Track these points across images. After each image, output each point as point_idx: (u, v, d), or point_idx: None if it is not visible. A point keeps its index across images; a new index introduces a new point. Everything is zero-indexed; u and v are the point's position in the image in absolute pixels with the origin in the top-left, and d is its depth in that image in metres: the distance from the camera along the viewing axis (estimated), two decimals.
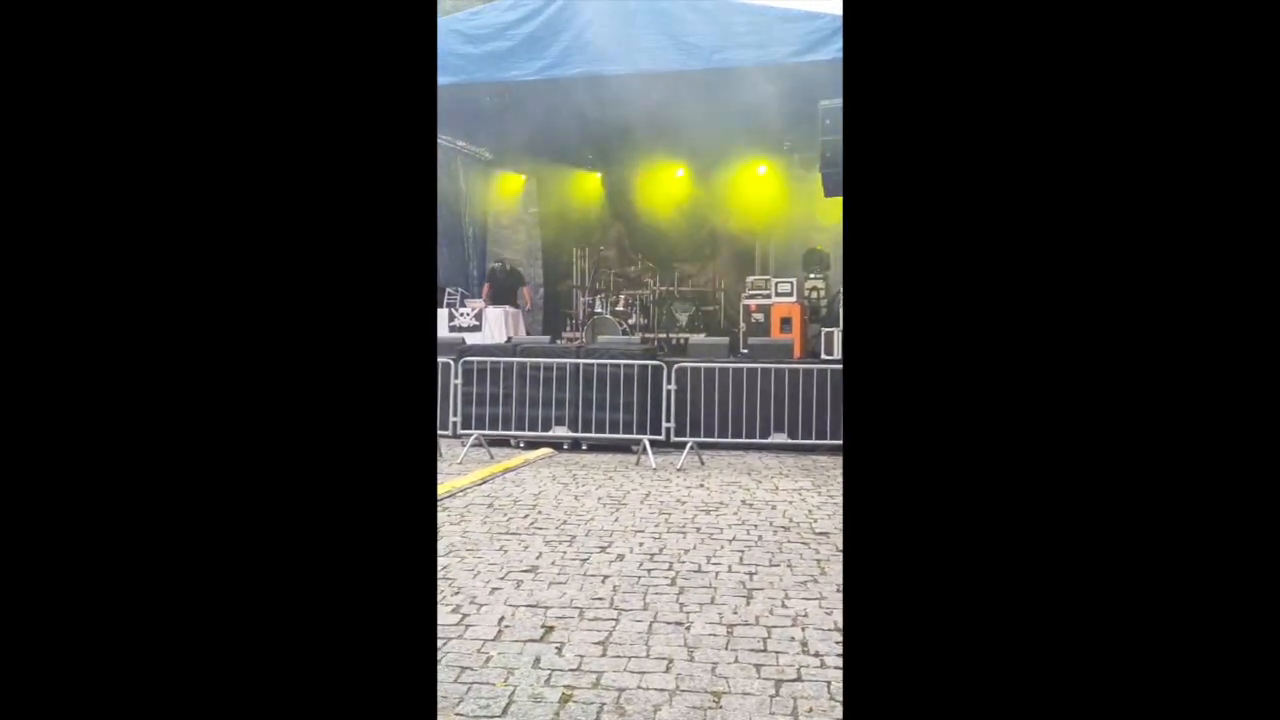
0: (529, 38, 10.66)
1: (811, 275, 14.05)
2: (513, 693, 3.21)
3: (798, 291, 13.44)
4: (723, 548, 5.39)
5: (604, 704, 3.12)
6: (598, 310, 15.00)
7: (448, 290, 14.41)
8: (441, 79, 10.16)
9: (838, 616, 4.00)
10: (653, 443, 9.14)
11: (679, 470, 8.42)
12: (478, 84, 11.25)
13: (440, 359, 9.64)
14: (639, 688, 3.25)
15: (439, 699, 3.12)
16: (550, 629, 3.89)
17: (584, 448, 9.72)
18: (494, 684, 3.28)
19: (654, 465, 8.62)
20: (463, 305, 14.10)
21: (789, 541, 5.57)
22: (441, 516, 6.16)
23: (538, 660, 3.51)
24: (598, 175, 16.91)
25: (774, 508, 6.65)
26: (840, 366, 9.03)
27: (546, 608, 4.18)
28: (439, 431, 9.38)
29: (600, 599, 4.33)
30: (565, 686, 3.26)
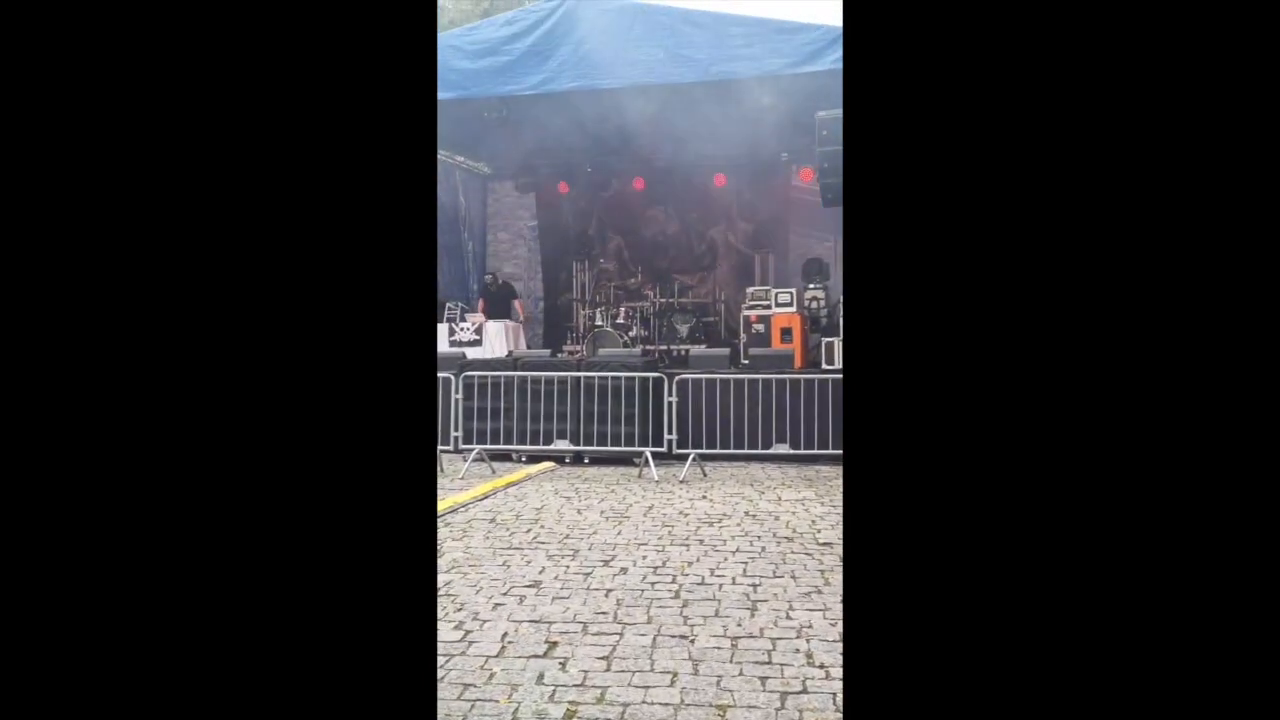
0: (527, 52, 10.69)
1: (811, 285, 14.03)
2: (516, 709, 3.19)
3: (798, 302, 13.42)
4: (726, 559, 5.37)
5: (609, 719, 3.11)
6: (598, 323, 14.98)
7: (447, 305, 14.41)
8: (440, 94, 10.19)
9: (842, 627, 3.98)
10: (655, 455, 9.12)
11: (681, 482, 8.40)
12: (476, 99, 11.27)
13: (441, 374, 9.63)
14: (644, 703, 3.24)
15: (442, 717, 3.10)
16: (554, 644, 3.87)
17: (586, 461, 9.70)
18: (498, 701, 3.26)
19: (656, 477, 8.60)
20: (463, 320, 14.09)
21: (792, 552, 5.55)
22: (444, 532, 6.15)
23: (541, 676, 3.49)
24: (596, 188, 16.90)
25: (777, 518, 6.63)
26: (841, 376, 9.02)
27: (550, 623, 4.16)
28: (440, 447, 9.37)
29: (604, 613, 4.31)
30: (570, 702, 3.25)
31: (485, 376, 9.79)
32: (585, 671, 3.54)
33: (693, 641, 3.89)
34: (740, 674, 3.50)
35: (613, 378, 9.49)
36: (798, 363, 11.98)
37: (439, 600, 4.50)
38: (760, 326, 13.17)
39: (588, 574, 5.05)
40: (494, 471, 9.04)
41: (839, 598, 4.48)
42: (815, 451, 9.28)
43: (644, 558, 5.42)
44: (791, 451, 9.35)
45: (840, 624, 4.06)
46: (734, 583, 4.85)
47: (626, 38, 10.35)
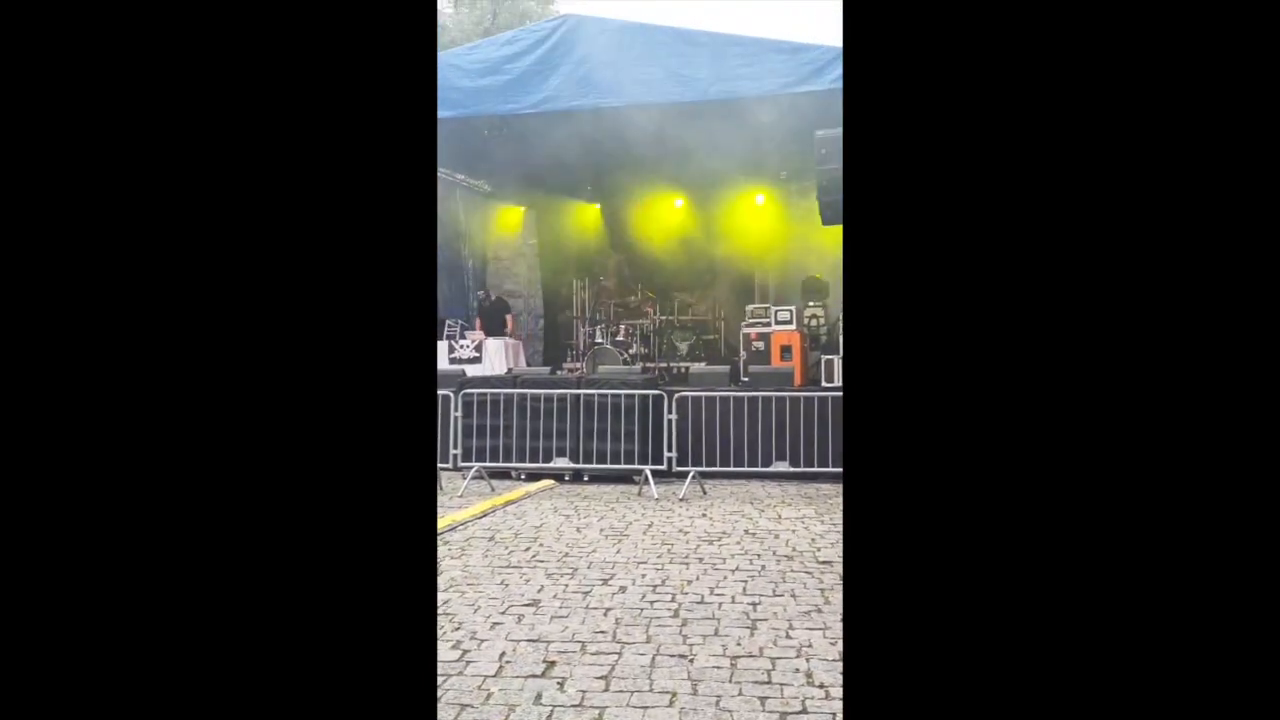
0: (527, 71, 10.73)
1: (811, 303, 14.05)
2: None
3: (797, 319, 13.43)
4: (726, 578, 5.36)
5: None
6: (598, 341, 14.99)
7: (447, 322, 14.41)
8: (440, 113, 10.22)
9: (842, 646, 3.97)
10: (655, 473, 9.11)
11: (681, 500, 8.39)
12: (477, 117, 11.31)
13: (441, 391, 9.62)
14: None
15: None
16: (552, 664, 3.85)
17: (585, 479, 9.68)
18: None
19: (656, 495, 8.59)
20: (462, 337, 14.10)
21: (792, 571, 5.54)
22: (442, 550, 6.13)
23: (539, 696, 3.47)
24: (596, 206, 16.96)
25: (777, 537, 6.62)
26: (841, 394, 9.01)
27: (548, 642, 4.15)
28: (439, 464, 9.35)
29: (603, 632, 4.29)
30: None
31: (485, 394, 9.78)
32: (584, 691, 3.52)
33: (692, 661, 3.87)
34: (739, 694, 3.48)
35: (612, 395, 9.48)
36: (797, 380, 11.98)
37: (437, 619, 4.48)
38: (760, 344, 13.17)
39: (587, 592, 5.03)
40: (493, 489, 9.02)
41: (839, 616, 4.46)
42: (815, 469, 9.27)
43: (643, 576, 5.41)
44: (791, 469, 9.33)
45: (840, 643, 4.04)
46: (733, 601, 4.84)
47: (627, 57, 10.39)
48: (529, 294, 17.66)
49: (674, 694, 3.48)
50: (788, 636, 4.22)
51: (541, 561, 5.82)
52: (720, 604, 4.79)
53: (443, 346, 13.58)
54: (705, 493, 8.77)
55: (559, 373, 12.88)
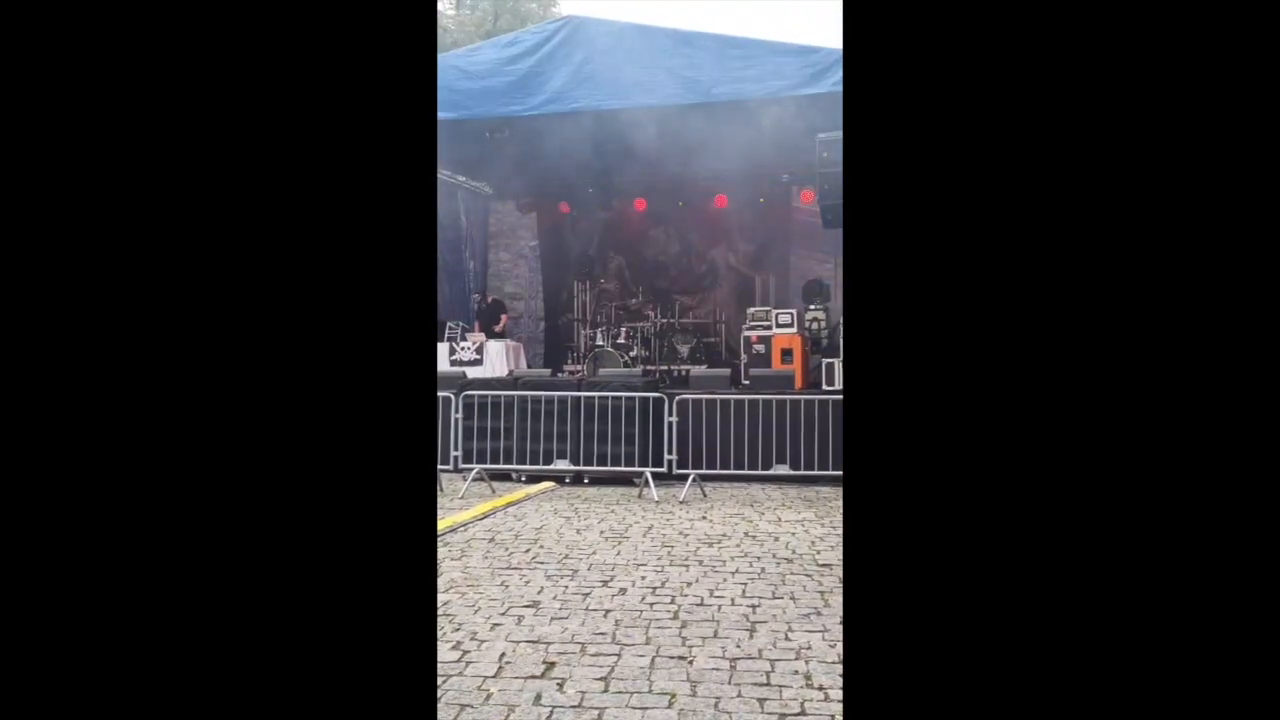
0: (528, 73, 10.74)
1: (812, 306, 14.05)
2: None
3: (798, 323, 13.43)
4: (725, 580, 5.36)
5: None
6: (599, 343, 14.98)
7: (448, 324, 14.42)
8: (442, 114, 10.23)
9: (841, 649, 3.96)
10: (655, 475, 9.11)
11: (681, 502, 8.39)
12: (478, 119, 11.32)
13: (441, 393, 9.63)
14: None
15: None
16: (552, 665, 3.85)
17: (586, 481, 9.68)
18: None
19: (656, 498, 8.59)
20: (463, 339, 14.10)
21: (792, 573, 5.54)
22: (442, 552, 6.13)
23: (539, 697, 3.47)
24: (598, 208, 16.95)
25: (777, 539, 6.62)
26: (842, 397, 9.01)
27: (548, 643, 4.15)
28: (440, 466, 9.36)
29: (602, 634, 4.29)
30: None
31: (485, 396, 9.79)
32: (583, 692, 3.52)
33: (691, 662, 3.87)
34: (739, 695, 3.48)
35: (613, 398, 9.48)
36: (798, 384, 11.98)
37: (437, 620, 4.48)
38: (761, 347, 13.17)
39: (586, 594, 5.03)
40: (493, 491, 9.03)
41: (838, 619, 4.46)
42: (815, 472, 9.28)
43: (643, 578, 5.41)
44: (792, 472, 9.34)
45: (839, 645, 4.04)
46: (733, 604, 4.84)
47: (628, 59, 10.40)
48: (530, 296, 17.66)
49: (673, 695, 3.48)
50: (787, 639, 4.22)
51: (541, 563, 5.82)
52: (720, 606, 4.79)
53: (444, 348, 13.58)
54: (705, 495, 8.77)
55: (560, 375, 12.87)
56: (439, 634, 4.25)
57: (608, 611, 4.68)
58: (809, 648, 4.08)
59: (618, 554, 6.11)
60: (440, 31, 26.94)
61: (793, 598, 4.96)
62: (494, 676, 3.71)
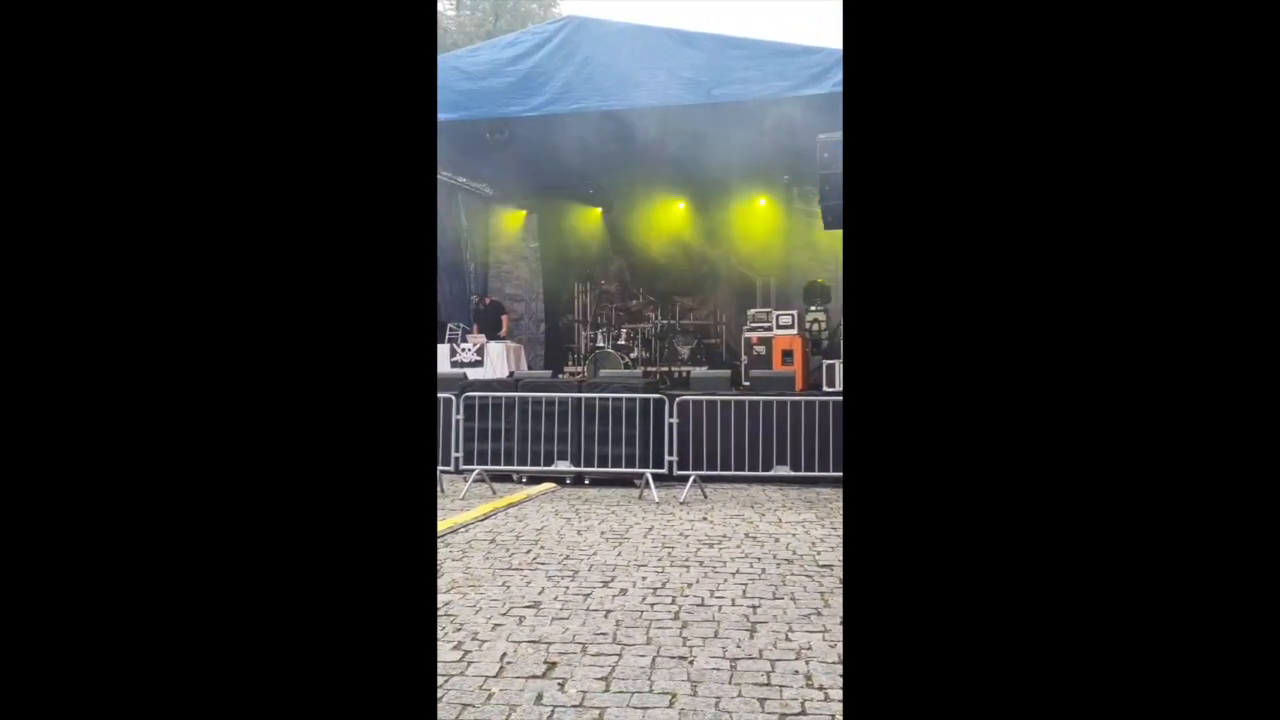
0: (529, 74, 10.73)
1: (813, 308, 14.07)
2: None
3: (799, 324, 13.45)
4: (726, 581, 5.36)
5: None
6: (600, 345, 14.99)
7: (449, 326, 14.42)
8: (442, 115, 10.24)
9: (842, 649, 3.97)
10: (655, 476, 9.11)
11: (682, 503, 8.39)
12: (478, 120, 11.32)
13: (442, 394, 9.63)
14: None
15: None
16: (553, 665, 3.86)
17: (586, 482, 9.68)
18: None
19: (657, 499, 8.59)
20: (464, 340, 14.10)
21: (792, 574, 5.54)
22: (444, 552, 6.14)
23: (540, 697, 3.48)
24: (598, 210, 16.97)
25: (777, 540, 6.62)
26: (842, 398, 9.01)
27: (549, 643, 4.15)
28: (441, 467, 9.36)
29: (603, 634, 4.30)
30: None
31: (486, 397, 9.79)
32: (584, 692, 3.52)
33: (692, 663, 3.87)
34: (739, 695, 3.49)
35: (614, 399, 9.49)
36: (799, 385, 11.99)
37: (438, 620, 4.49)
38: (761, 348, 13.19)
39: (587, 595, 5.04)
40: (494, 492, 9.03)
41: (839, 620, 4.47)
42: (816, 474, 9.28)
43: (644, 579, 5.41)
44: (792, 474, 9.34)
45: (840, 646, 4.04)
46: (733, 604, 4.84)
47: (629, 59, 10.40)
48: (530, 297, 17.67)
49: (674, 695, 3.49)
50: (787, 639, 4.22)
51: (542, 564, 5.83)
52: (720, 607, 4.79)
53: (445, 350, 13.58)
54: (706, 496, 8.77)
55: (561, 376, 12.89)
56: (440, 634, 4.26)
57: (608, 612, 4.68)
58: (809, 648, 4.08)
59: (618, 555, 6.11)
60: (440, 32, 26.94)
61: (793, 598, 4.96)
62: (495, 676, 3.71)
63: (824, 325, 13.92)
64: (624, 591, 5.11)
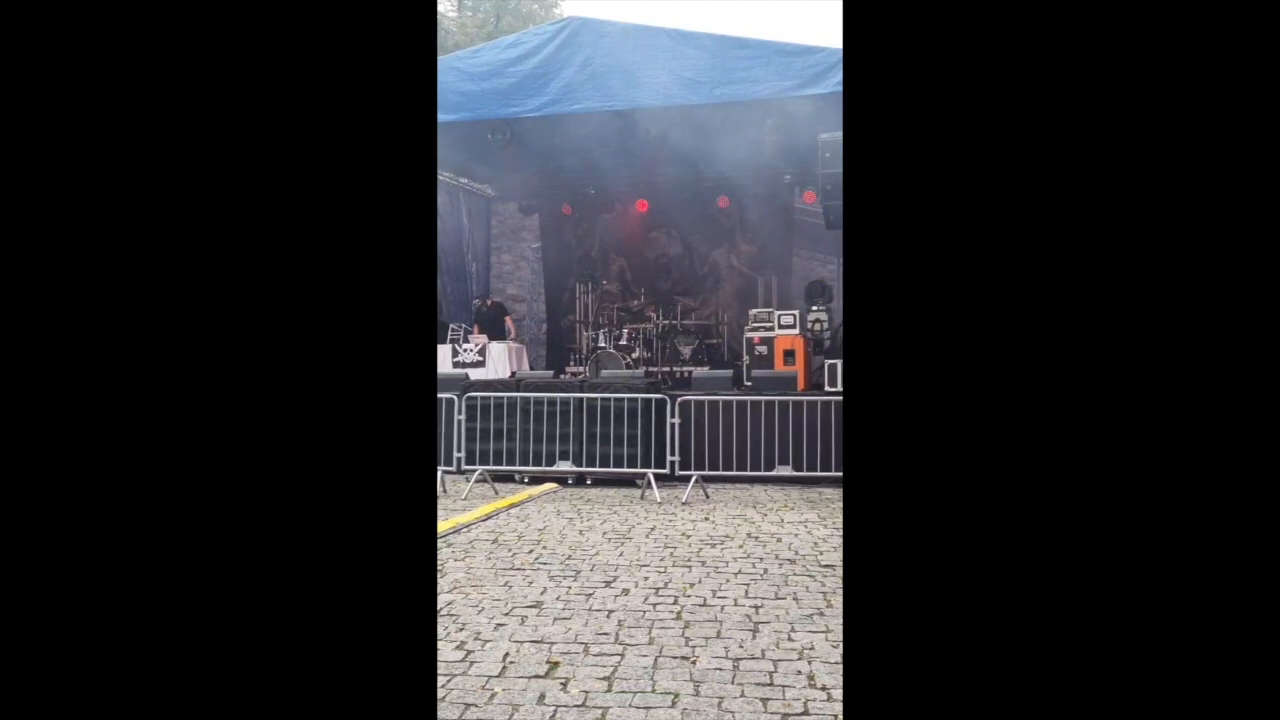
0: (530, 74, 10.75)
1: (814, 308, 14.07)
2: None
3: (801, 324, 13.45)
4: (728, 581, 5.36)
5: None
6: (601, 345, 15.00)
7: (450, 326, 14.41)
8: (443, 116, 10.25)
9: (843, 648, 3.96)
10: (657, 476, 9.12)
11: (684, 504, 8.39)
12: (480, 121, 11.33)
13: (444, 395, 9.64)
14: None
15: None
16: (555, 665, 3.86)
17: (588, 482, 9.69)
18: None
19: (659, 499, 8.59)
20: (466, 341, 14.10)
21: (795, 574, 5.54)
22: (446, 552, 6.14)
23: (543, 697, 3.48)
24: (600, 210, 16.96)
25: (779, 540, 6.62)
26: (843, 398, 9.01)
27: (551, 643, 4.15)
28: (443, 467, 9.37)
29: (605, 634, 4.30)
30: None
31: (488, 397, 9.79)
32: (586, 692, 3.52)
33: (694, 663, 3.87)
34: (741, 695, 3.49)
35: (615, 399, 9.49)
36: (800, 385, 11.99)
37: (441, 620, 4.49)
38: (763, 348, 13.19)
39: (589, 595, 5.04)
40: (496, 492, 9.04)
41: (841, 620, 4.46)
42: (818, 473, 9.28)
43: (646, 579, 5.41)
44: (794, 473, 9.34)
45: (842, 646, 4.04)
46: (736, 604, 4.84)
47: (631, 60, 10.41)
48: (532, 298, 17.67)
49: (676, 695, 3.49)
50: (790, 639, 4.22)
51: (545, 564, 5.83)
52: (723, 607, 4.79)
53: (447, 350, 13.58)
54: (708, 496, 8.77)
55: (562, 377, 12.89)
56: (443, 634, 4.26)
57: (611, 612, 4.68)
58: (812, 648, 4.08)
59: (620, 555, 6.11)
60: (442, 33, 26.96)
61: (795, 599, 4.96)
62: (498, 676, 3.72)
63: (826, 325, 13.92)
64: (626, 592, 5.11)
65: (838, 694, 3.48)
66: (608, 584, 5.29)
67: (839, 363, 11.58)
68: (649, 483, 9.00)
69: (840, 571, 5.55)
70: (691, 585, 5.26)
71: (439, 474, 9.05)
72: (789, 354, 13.04)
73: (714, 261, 16.40)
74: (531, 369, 14.09)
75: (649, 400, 9.52)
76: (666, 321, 15.31)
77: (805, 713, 3.32)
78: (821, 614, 4.66)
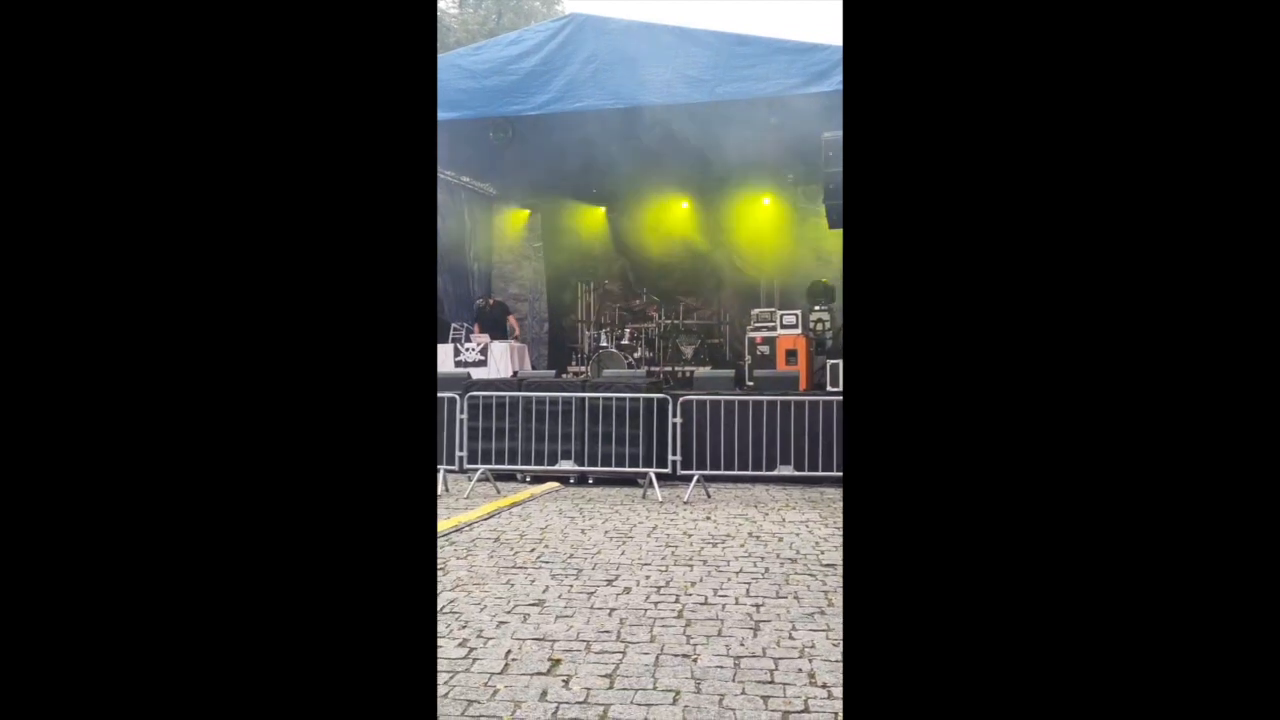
0: (532, 72, 10.72)
1: (816, 307, 14.07)
2: None
3: (803, 324, 13.45)
4: (729, 580, 5.36)
5: None
6: (603, 344, 15.00)
7: (452, 325, 14.41)
8: (444, 114, 10.23)
9: (843, 646, 3.97)
10: (659, 476, 9.12)
11: (685, 503, 8.39)
12: (481, 119, 11.30)
13: (446, 394, 9.64)
14: None
15: None
16: (557, 662, 3.86)
17: (590, 481, 9.69)
18: (501, 717, 3.26)
19: (660, 498, 8.59)
20: (468, 340, 14.10)
21: (796, 573, 5.54)
22: (448, 551, 6.14)
23: (545, 693, 3.48)
24: (602, 209, 16.97)
25: (780, 540, 6.62)
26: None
27: (553, 641, 4.16)
28: (445, 467, 9.37)
29: (607, 632, 4.30)
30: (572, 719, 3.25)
31: (490, 397, 9.79)
32: (588, 689, 3.53)
33: (695, 660, 3.88)
34: (742, 693, 3.49)
35: (617, 399, 9.49)
36: (802, 385, 11.99)
37: (444, 618, 4.50)
38: (765, 348, 13.19)
39: (591, 593, 5.04)
40: (498, 491, 9.04)
41: (842, 618, 4.46)
42: (819, 473, 9.28)
43: (647, 577, 5.42)
44: (796, 473, 9.34)
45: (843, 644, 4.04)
46: (737, 603, 4.84)
47: (633, 57, 10.38)
48: (534, 297, 17.66)
49: (677, 692, 3.49)
50: (791, 637, 4.23)
51: (546, 562, 5.83)
52: (724, 605, 4.79)
53: (448, 349, 13.57)
54: (709, 496, 8.78)
55: (564, 376, 12.90)
56: (446, 631, 4.27)
57: (612, 610, 4.69)
58: (812, 646, 4.08)
59: (622, 554, 6.12)
60: (443, 30, 26.95)
61: (796, 597, 4.96)
62: (500, 673, 3.72)
63: (828, 325, 13.92)
64: (628, 590, 5.11)
65: (838, 691, 3.48)
66: (609, 582, 5.30)
67: (841, 363, 11.58)
68: (651, 482, 9.00)
69: (841, 570, 5.55)
70: (693, 584, 5.26)
71: (441, 473, 9.06)
72: (791, 354, 13.04)
73: (716, 261, 16.38)
74: (533, 368, 14.09)
75: (651, 400, 9.52)
76: (668, 321, 15.31)
77: (806, 710, 3.33)
78: (822, 612, 4.66)
